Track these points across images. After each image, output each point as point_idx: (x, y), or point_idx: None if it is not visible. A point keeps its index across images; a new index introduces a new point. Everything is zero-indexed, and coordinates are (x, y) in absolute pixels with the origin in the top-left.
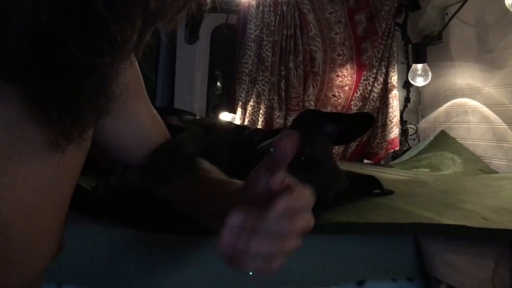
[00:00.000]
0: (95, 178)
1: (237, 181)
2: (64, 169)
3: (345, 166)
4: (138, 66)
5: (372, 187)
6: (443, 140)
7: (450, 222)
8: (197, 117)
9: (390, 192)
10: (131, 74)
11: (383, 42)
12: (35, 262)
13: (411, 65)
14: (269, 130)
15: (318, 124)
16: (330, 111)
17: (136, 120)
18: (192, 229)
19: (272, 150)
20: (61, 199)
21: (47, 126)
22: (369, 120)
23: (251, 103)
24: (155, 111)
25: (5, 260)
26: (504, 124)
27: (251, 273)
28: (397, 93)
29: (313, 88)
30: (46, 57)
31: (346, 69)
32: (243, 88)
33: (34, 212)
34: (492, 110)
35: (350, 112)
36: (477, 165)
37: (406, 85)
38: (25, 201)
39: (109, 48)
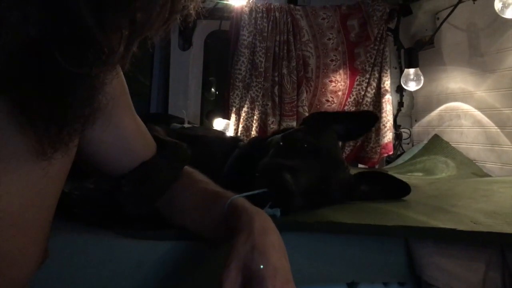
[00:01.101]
0: (70, 180)
1: (232, 194)
2: (49, 177)
3: None
4: (123, 77)
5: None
6: (437, 144)
7: (440, 225)
8: (185, 125)
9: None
10: (116, 84)
11: (376, 47)
12: (21, 270)
13: (404, 70)
14: (270, 134)
15: (327, 124)
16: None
17: (121, 130)
18: (178, 235)
19: (281, 143)
20: (46, 207)
21: (33, 134)
22: (372, 117)
23: (245, 109)
24: (140, 121)
25: None
26: (496, 127)
27: None
28: (390, 97)
29: (306, 93)
30: (33, 67)
31: (339, 74)
32: (237, 94)
33: (20, 221)
34: (484, 114)
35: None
36: (471, 168)
37: (399, 89)
38: (10, 210)
39: (95, 58)
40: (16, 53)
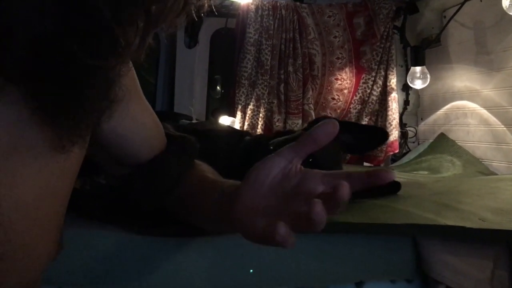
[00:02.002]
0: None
1: (233, 181)
2: (64, 170)
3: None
4: (133, 67)
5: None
6: (443, 143)
7: (447, 223)
8: (194, 121)
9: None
10: (130, 77)
11: (382, 45)
12: (35, 262)
13: (410, 68)
14: (273, 134)
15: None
16: (346, 120)
17: (138, 122)
18: (184, 231)
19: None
20: (60, 200)
21: (50, 127)
22: (383, 135)
23: (250, 106)
24: (153, 113)
25: (5, 259)
26: (503, 126)
27: (251, 270)
28: (396, 95)
29: (312, 91)
30: (51, 59)
31: (345, 72)
32: (243, 92)
33: (34, 213)
34: (491, 112)
35: (363, 123)
36: (477, 167)
37: (405, 88)
38: (26, 202)
39: (112, 50)
40: (33, 46)
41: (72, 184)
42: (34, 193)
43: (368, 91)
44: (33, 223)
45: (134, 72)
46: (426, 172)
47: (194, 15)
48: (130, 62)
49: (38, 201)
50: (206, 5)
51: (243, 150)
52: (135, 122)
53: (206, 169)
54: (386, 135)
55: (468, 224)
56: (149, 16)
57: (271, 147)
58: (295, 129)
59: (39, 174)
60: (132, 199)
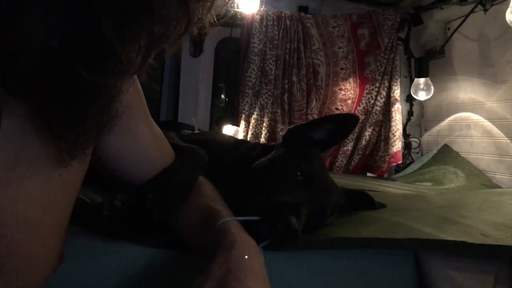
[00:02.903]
0: (97, 191)
1: (225, 213)
2: (65, 183)
3: (347, 179)
4: (139, 85)
5: (364, 203)
6: (446, 154)
7: (449, 238)
8: (196, 131)
9: (382, 206)
10: (133, 93)
11: (386, 56)
12: (35, 274)
13: (414, 79)
14: (266, 145)
15: (304, 134)
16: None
17: (138, 138)
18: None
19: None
20: (62, 212)
21: (52, 141)
22: (352, 118)
23: (254, 116)
24: (158, 129)
25: (7, 271)
26: (506, 138)
27: None
28: (400, 106)
29: (316, 101)
30: (54, 76)
31: (349, 82)
32: (247, 101)
33: (36, 225)
34: (495, 124)
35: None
36: (480, 179)
37: (409, 99)
38: (27, 214)
39: (114, 68)
40: (38, 62)
41: (73, 198)
42: (36, 206)
43: (372, 101)
44: (35, 236)
45: (140, 90)
46: (429, 184)
47: (197, 33)
48: (136, 78)
49: (40, 213)
50: (207, 25)
51: (235, 161)
52: (135, 138)
53: (209, 192)
54: (355, 117)
55: (469, 239)
56: (152, 36)
57: (256, 169)
58: None
59: (41, 187)
60: (148, 208)
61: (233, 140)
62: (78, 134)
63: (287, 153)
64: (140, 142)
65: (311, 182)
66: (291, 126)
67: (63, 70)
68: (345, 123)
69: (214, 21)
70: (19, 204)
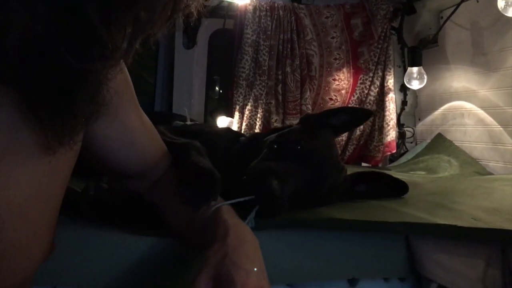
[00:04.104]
0: (85, 180)
1: (219, 200)
2: (55, 170)
3: None
4: (127, 73)
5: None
6: (440, 143)
7: (440, 222)
8: (187, 122)
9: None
10: (121, 80)
11: (379, 46)
12: (28, 261)
13: (407, 69)
14: (269, 131)
15: (322, 119)
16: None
17: (126, 126)
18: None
19: (274, 145)
20: (53, 200)
21: (39, 129)
22: (366, 111)
23: (248, 107)
24: (146, 118)
25: (0, 255)
26: (499, 126)
27: None
28: (394, 96)
29: (310, 92)
30: (40, 62)
31: (343, 72)
32: (241, 92)
33: (27, 212)
34: (488, 113)
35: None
36: (474, 167)
37: (403, 88)
38: (19, 201)
39: (100, 54)
40: (23, 49)
41: (64, 185)
42: (27, 194)
43: (366, 91)
44: (26, 223)
45: (129, 78)
46: (423, 172)
47: (183, 23)
48: (124, 65)
49: (30, 201)
50: (195, 12)
51: (238, 151)
52: (124, 126)
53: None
54: (369, 112)
55: (460, 223)
56: (137, 22)
57: (263, 144)
58: None
59: (31, 174)
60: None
61: (227, 131)
62: (66, 121)
63: (295, 130)
64: (129, 129)
65: (308, 157)
66: (306, 114)
67: (49, 57)
68: (360, 115)
69: (202, 9)
70: (10, 191)
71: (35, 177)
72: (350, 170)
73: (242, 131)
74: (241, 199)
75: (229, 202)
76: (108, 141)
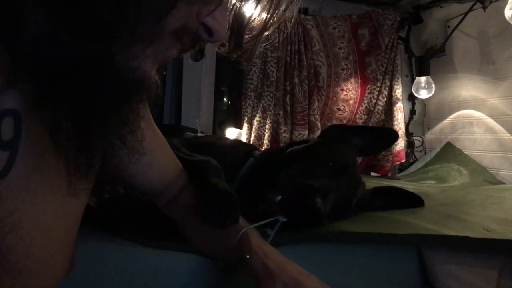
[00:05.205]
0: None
1: (243, 224)
2: (77, 188)
3: None
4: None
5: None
6: (449, 152)
7: (452, 233)
8: (198, 134)
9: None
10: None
11: (387, 56)
12: (51, 277)
13: (415, 78)
14: (287, 145)
15: (346, 136)
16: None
17: (145, 147)
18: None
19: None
20: (74, 217)
21: (64, 164)
22: (393, 134)
23: (257, 118)
24: (160, 134)
25: (25, 273)
26: (509, 134)
27: None
28: (402, 105)
29: (318, 102)
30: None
31: (351, 83)
32: (249, 104)
33: (51, 229)
34: (497, 121)
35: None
36: (484, 176)
37: (411, 97)
38: (44, 218)
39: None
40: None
41: (85, 202)
42: (51, 210)
43: (374, 101)
44: (51, 239)
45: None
46: (433, 182)
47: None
48: None
49: (55, 218)
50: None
51: (254, 167)
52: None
53: None
54: (396, 134)
55: (472, 234)
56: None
57: (290, 158)
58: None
59: (56, 192)
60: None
61: (238, 143)
62: (89, 159)
63: (324, 143)
64: (148, 150)
65: (342, 173)
66: (330, 125)
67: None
68: (384, 137)
69: None
70: (37, 208)
71: (60, 195)
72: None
73: (251, 142)
74: (267, 221)
75: (255, 225)
76: (125, 163)
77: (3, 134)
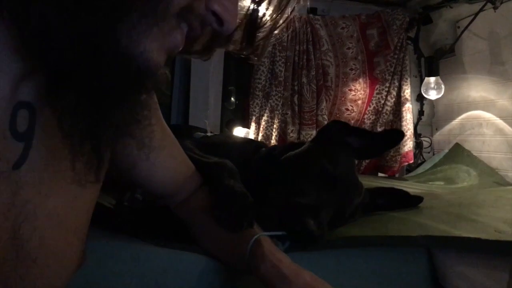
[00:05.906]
0: (114, 195)
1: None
2: (89, 182)
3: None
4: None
5: (400, 201)
6: (458, 153)
7: (463, 235)
8: (208, 134)
9: (420, 200)
10: (152, 99)
11: (395, 56)
12: (64, 269)
13: (424, 78)
14: (293, 143)
15: (343, 135)
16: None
17: (159, 149)
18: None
19: (294, 170)
20: (85, 212)
21: (79, 155)
22: (398, 134)
23: (264, 117)
24: (172, 135)
25: (39, 264)
26: None
27: None
28: (410, 106)
29: (326, 102)
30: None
31: (359, 83)
32: (257, 103)
33: (64, 222)
34: (507, 122)
35: (364, 126)
36: (493, 177)
37: (420, 98)
38: (58, 211)
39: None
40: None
41: (95, 196)
42: (64, 202)
43: (382, 101)
44: (64, 231)
45: (155, 97)
46: (442, 183)
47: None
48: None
49: (67, 210)
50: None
51: (258, 166)
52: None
53: None
54: (401, 134)
55: (484, 236)
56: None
57: (282, 165)
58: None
59: (69, 185)
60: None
61: (246, 141)
62: (99, 153)
63: (314, 151)
64: (160, 149)
65: (334, 185)
66: (330, 121)
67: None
68: (387, 138)
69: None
70: (51, 200)
71: (72, 188)
72: (367, 180)
73: None
74: (278, 233)
75: (267, 234)
76: (135, 157)
77: (18, 126)
